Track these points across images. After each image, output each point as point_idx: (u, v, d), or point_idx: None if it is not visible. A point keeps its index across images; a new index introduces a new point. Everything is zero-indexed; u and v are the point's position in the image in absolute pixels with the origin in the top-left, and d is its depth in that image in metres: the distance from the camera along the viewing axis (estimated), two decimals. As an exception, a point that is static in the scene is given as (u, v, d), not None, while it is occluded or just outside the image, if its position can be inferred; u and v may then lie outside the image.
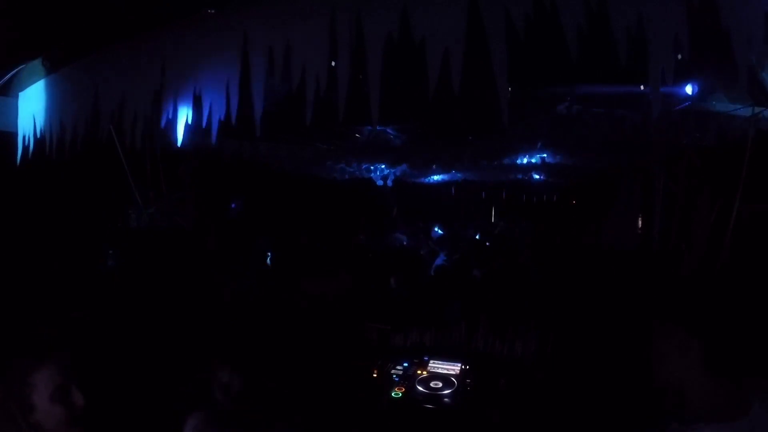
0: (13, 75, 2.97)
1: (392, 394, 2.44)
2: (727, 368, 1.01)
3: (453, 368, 2.65)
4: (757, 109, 2.81)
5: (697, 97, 3.19)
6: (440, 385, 2.45)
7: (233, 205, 7.60)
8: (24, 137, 3.07)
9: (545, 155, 4.97)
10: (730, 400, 1.01)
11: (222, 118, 1.98)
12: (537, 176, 8.12)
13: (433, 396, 2.38)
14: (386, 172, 6.66)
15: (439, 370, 2.63)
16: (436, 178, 8.75)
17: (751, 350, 1.02)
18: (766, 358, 1.03)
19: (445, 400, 2.36)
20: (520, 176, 8.20)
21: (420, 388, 2.42)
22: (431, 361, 2.71)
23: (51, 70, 2.83)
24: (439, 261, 6.39)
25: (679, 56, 1.36)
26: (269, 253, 5.78)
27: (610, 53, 1.38)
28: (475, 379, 2.58)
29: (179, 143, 2.16)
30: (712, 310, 1.02)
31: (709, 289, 1.10)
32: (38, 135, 2.90)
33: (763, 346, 1.04)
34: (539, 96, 4.19)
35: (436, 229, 9.18)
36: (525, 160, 5.56)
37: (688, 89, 3.13)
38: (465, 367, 2.67)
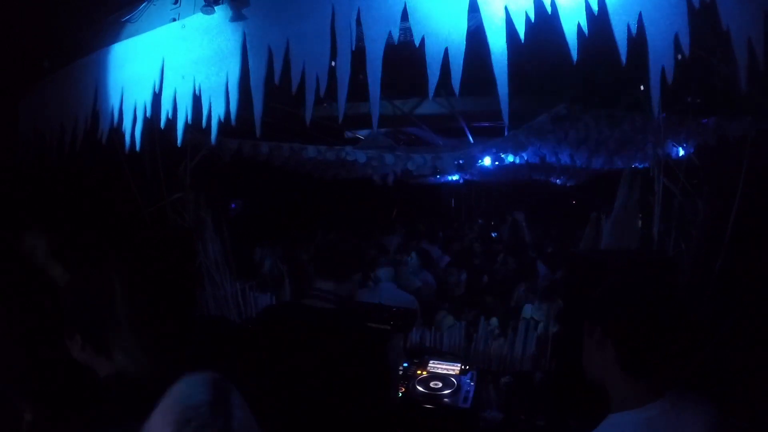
0: (12, 75, 2.98)
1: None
2: (638, 366, 1.08)
3: (453, 368, 2.64)
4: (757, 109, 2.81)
5: (697, 97, 3.19)
6: (440, 385, 2.44)
7: (233, 206, 7.59)
8: (24, 137, 3.07)
9: (545, 155, 4.96)
10: (642, 392, 1.08)
11: (222, 118, 1.99)
12: (537, 176, 8.13)
13: (433, 396, 2.37)
14: (386, 172, 6.63)
15: (439, 370, 2.62)
16: (436, 178, 8.76)
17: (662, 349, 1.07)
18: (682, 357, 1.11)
19: (445, 400, 2.35)
20: (520, 176, 8.21)
21: (420, 388, 2.42)
22: (431, 361, 2.70)
23: (51, 70, 2.83)
24: (442, 263, 6.40)
25: (679, 56, 1.36)
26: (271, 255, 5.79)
27: (610, 53, 1.38)
28: (475, 379, 2.57)
29: (179, 143, 2.16)
30: (623, 312, 1.10)
31: (618, 292, 1.16)
32: (38, 135, 2.90)
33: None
34: (539, 96, 4.20)
35: (436, 230, 9.18)
36: (525, 160, 5.56)
37: (688, 89, 3.13)
38: (465, 367, 2.66)
